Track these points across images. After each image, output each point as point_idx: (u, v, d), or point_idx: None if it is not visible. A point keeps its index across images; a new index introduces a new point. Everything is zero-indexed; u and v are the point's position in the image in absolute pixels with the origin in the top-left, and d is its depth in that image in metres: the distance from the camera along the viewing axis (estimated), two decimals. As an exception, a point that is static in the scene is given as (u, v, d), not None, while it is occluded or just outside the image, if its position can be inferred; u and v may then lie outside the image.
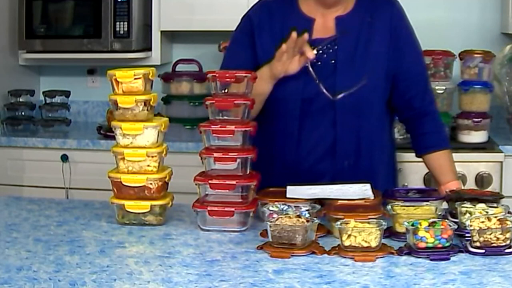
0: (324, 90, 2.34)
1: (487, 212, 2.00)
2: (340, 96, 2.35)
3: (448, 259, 1.88)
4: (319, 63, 2.39)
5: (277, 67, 2.36)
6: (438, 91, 3.61)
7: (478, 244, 1.91)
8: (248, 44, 2.47)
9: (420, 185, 3.36)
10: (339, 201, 2.14)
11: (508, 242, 1.91)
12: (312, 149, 2.41)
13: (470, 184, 3.48)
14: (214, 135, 2.20)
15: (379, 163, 2.47)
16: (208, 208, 2.16)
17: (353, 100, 2.36)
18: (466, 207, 2.03)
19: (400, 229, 2.03)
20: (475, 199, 2.10)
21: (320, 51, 2.39)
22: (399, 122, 2.66)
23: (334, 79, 2.38)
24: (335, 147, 2.40)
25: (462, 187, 2.65)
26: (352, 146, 2.41)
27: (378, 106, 2.44)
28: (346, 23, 2.43)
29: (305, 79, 2.36)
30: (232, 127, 2.19)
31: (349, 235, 1.91)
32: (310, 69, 2.34)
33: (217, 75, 2.24)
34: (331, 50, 2.41)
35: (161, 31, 4.15)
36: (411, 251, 1.91)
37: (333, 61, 2.40)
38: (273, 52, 2.40)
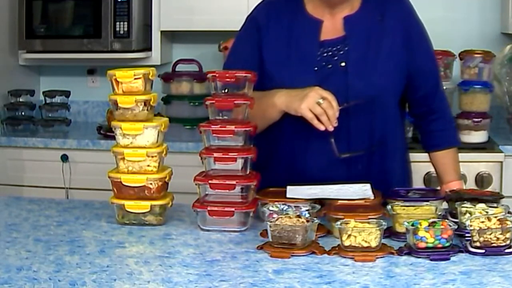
0: (335, 149, 2.28)
1: (487, 212, 2.00)
2: (345, 156, 2.30)
3: (448, 259, 1.88)
4: (329, 66, 2.35)
5: (295, 107, 2.23)
6: (438, 91, 3.61)
7: (478, 244, 1.91)
8: (253, 45, 2.42)
9: (420, 185, 3.36)
10: (339, 201, 2.14)
11: (508, 242, 1.90)
12: (322, 155, 2.34)
13: (470, 184, 3.48)
14: (214, 135, 2.20)
15: (392, 165, 2.43)
16: (208, 208, 2.16)
17: (366, 107, 2.30)
18: (466, 207, 2.03)
19: (400, 229, 2.03)
20: (475, 199, 2.09)
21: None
22: (407, 117, 2.62)
23: (346, 82, 2.32)
24: (349, 151, 2.33)
25: (464, 187, 2.66)
26: (365, 151, 2.36)
27: (391, 107, 2.40)
28: (355, 23, 2.38)
29: (316, 82, 2.29)
30: (232, 127, 2.19)
31: (349, 235, 1.91)
32: (332, 140, 2.27)
33: (217, 75, 2.23)
34: (341, 52, 2.36)
35: (161, 31, 4.15)
36: (411, 251, 1.90)
37: (343, 63, 2.34)
38: (279, 52, 2.38)
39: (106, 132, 3.88)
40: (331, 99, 2.22)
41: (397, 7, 2.41)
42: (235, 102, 2.21)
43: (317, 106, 2.21)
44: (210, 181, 2.18)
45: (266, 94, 2.33)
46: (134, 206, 2.22)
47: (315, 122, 2.22)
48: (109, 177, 2.26)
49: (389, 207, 2.08)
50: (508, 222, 1.91)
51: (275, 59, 2.39)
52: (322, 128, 2.22)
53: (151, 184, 2.23)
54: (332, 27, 2.39)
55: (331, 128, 2.22)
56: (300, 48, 2.38)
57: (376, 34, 2.37)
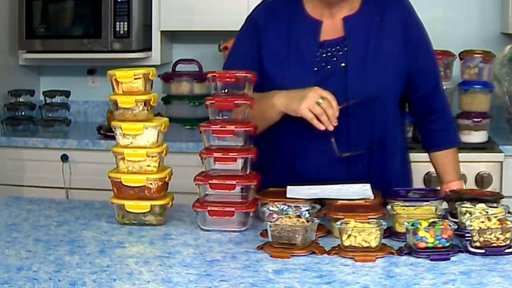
0: (335, 148, 2.28)
1: (487, 212, 2.00)
2: (346, 155, 2.30)
3: (448, 259, 1.88)
4: (329, 66, 2.34)
5: (295, 107, 2.23)
6: (438, 91, 3.61)
7: (478, 244, 1.91)
8: (252, 46, 2.42)
9: (420, 185, 3.36)
10: (339, 201, 2.14)
11: (508, 242, 1.90)
12: (322, 155, 2.34)
13: (470, 184, 3.48)
14: (214, 135, 2.20)
15: (392, 164, 2.42)
16: (208, 208, 2.16)
17: (366, 106, 2.30)
18: (466, 207, 2.03)
19: (400, 229, 2.03)
20: (475, 199, 2.09)
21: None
22: (407, 116, 2.61)
23: (345, 82, 2.31)
24: (349, 150, 2.33)
25: (464, 187, 2.65)
26: (365, 150, 2.36)
27: (390, 107, 2.39)
28: (354, 23, 2.37)
29: (316, 83, 2.28)
30: (232, 127, 2.19)
31: (349, 235, 1.91)
32: (332, 140, 2.26)
33: (217, 75, 2.23)
34: (340, 53, 2.35)
35: (161, 31, 4.15)
36: (411, 251, 1.90)
37: (343, 64, 2.33)
38: (278, 53, 2.37)
39: (106, 132, 3.88)
40: (331, 99, 2.22)
41: (396, 7, 2.40)
42: (235, 102, 2.21)
43: (317, 106, 2.21)
44: (210, 181, 2.17)
45: (265, 95, 2.33)
46: (134, 206, 2.22)
47: (315, 122, 2.22)
48: (109, 177, 2.26)
49: (389, 207, 2.08)
50: (508, 222, 1.91)
51: (274, 60, 2.39)
52: (322, 128, 2.22)
53: (151, 184, 2.23)
54: (331, 27, 2.39)
55: (331, 128, 2.22)
56: (299, 48, 2.37)
57: (376, 34, 2.37)
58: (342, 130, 2.28)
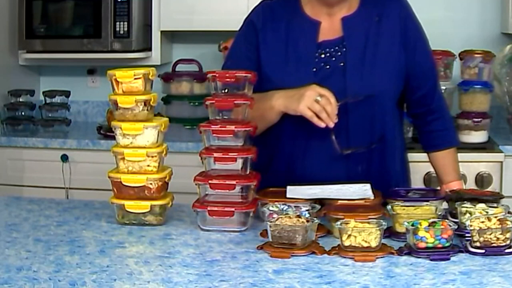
0: (336, 145, 2.28)
1: (487, 212, 2.00)
2: (347, 152, 2.30)
3: (448, 259, 1.88)
4: (328, 67, 2.34)
5: (294, 107, 2.24)
6: (438, 91, 3.61)
7: (478, 244, 1.91)
8: (251, 47, 2.42)
9: (420, 185, 3.36)
10: (339, 201, 2.14)
11: (508, 242, 1.91)
12: (322, 157, 2.34)
13: (470, 184, 3.49)
14: (214, 135, 2.20)
15: (391, 164, 2.42)
16: (208, 208, 2.16)
17: (365, 105, 2.31)
18: (466, 207, 2.03)
19: (400, 229, 2.03)
20: (475, 199, 2.09)
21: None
22: (406, 117, 2.62)
23: (344, 83, 2.31)
24: (350, 148, 2.33)
25: (464, 187, 2.65)
26: (366, 147, 2.36)
27: (389, 107, 2.39)
28: (353, 23, 2.37)
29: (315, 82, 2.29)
30: (232, 127, 2.19)
31: (349, 235, 1.91)
32: (333, 137, 2.26)
33: (217, 75, 2.23)
34: (339, 53, 2.35)
35: (161, 31, 4.15)
36: (411, 251, 1.90)
37: (342, 64, 2.34)
38: (277, 54, 2.37)
39: (106, 132, 3.88)
40: (329, 96, 2.22)
41: (394, 7, 2.40)
42: (235, 102, 2.21)
43: (316, 103, 2.22)
44: (210, 181, 2.17)
45: (263, 96, 2.33)
46: (134, 206, 2.22)
47: (315, 120, 2.22)
48: (109, 177, 2.26)
49: (389, 207, 2.08)
50: (508, 222, 1.91)
51: (273, 61, 2.39)
52: (322, 125, 2.22)
53: (151, 184, 2.23)
54: (330, 27, 2.39)
55: (331, 125, 2.22)
56: (298, 49, 2.37)
57: (374, 34, 2.37)
58: (341, 128, 2.28)
